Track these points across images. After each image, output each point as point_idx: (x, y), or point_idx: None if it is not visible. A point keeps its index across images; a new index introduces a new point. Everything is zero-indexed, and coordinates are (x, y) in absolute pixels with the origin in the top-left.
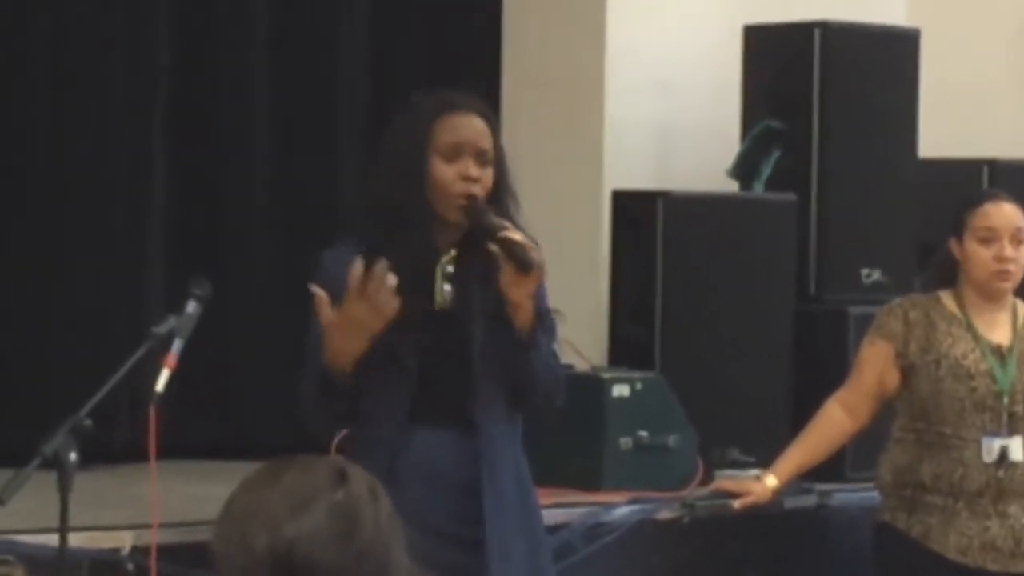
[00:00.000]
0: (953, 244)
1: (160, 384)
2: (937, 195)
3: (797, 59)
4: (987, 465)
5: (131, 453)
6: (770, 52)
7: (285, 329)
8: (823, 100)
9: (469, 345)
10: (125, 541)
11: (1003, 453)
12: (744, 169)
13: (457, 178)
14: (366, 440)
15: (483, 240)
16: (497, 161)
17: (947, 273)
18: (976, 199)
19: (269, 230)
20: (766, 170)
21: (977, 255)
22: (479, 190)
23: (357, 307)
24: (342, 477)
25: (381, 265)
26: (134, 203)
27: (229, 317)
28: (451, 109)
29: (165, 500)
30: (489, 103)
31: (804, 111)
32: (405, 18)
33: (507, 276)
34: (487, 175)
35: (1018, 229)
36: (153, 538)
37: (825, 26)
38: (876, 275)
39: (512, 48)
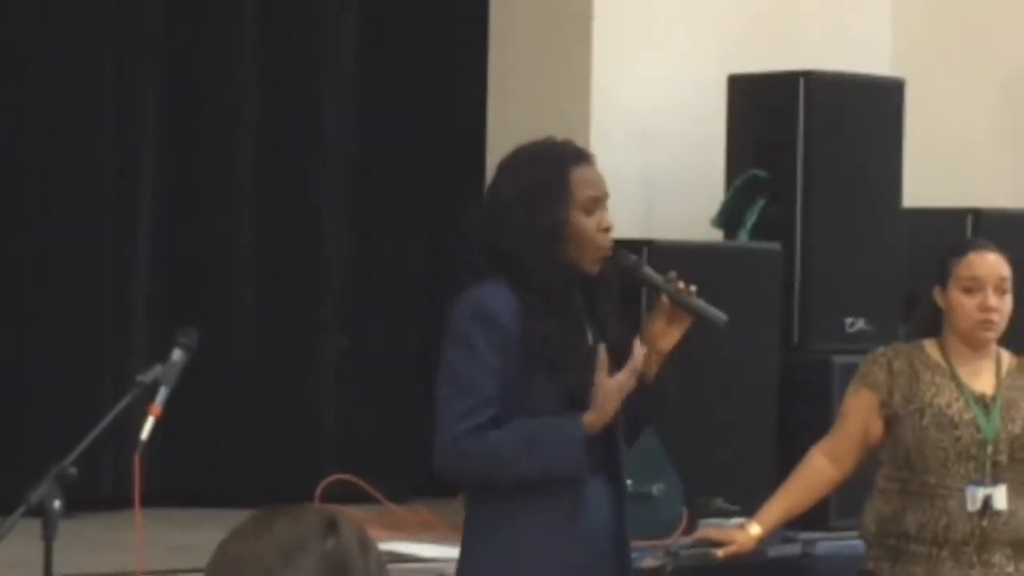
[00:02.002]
0: (937, 293)
1: (145, 432)
2: (921, 244)
3: (782, 108)
4: (971, 514)
5: (116, 501)
6: (755, 101)
7: (270, 378)
8: (808, 149)
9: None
10: None
11: (987, 502)
12: (728, 218)
13: (597, 231)
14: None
15: (641, 287)
16: None
17: (931, 322)
18: (960, 248)
19: (255, 279)
20: (750, 219)
21: (961, 304)
22: (610, 240)
23: (629, 384)
24: (332, 526)
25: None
26: (121, 252)
27: (215, 366)
28: (580, 159)
29: (149, 548)
30: (474, 153)
31: (788, 160)
32: (391, 68)
33: (658, 327)
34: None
35: (1002, 279)
36: None
37: (809, 75)
38: (860, 324)
39: (497, 97)
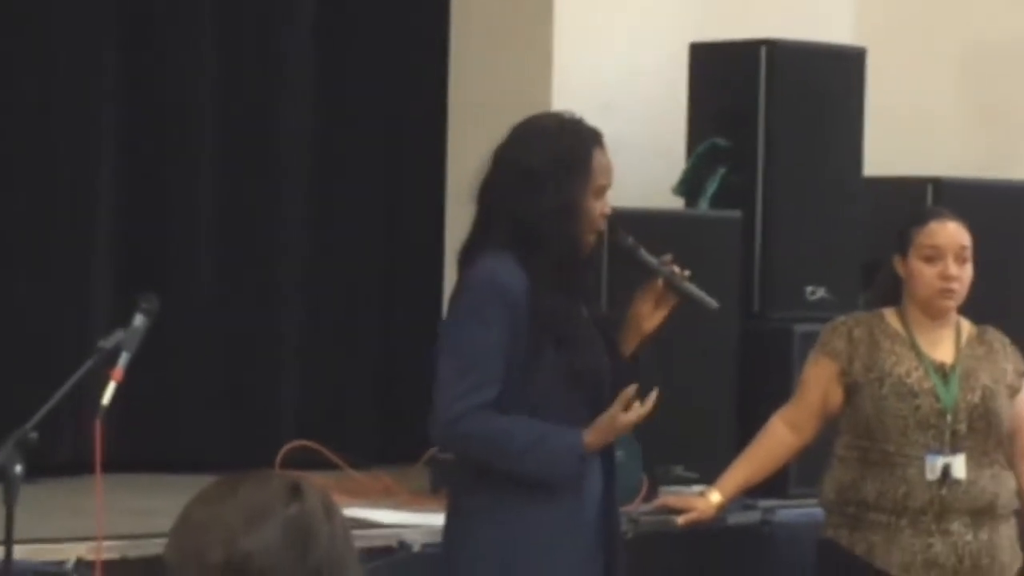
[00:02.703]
0: (897, 262)
1: (106, 397)
2: (882, 213)
3: (743, 77)
4: (930, 483)
5: (77, 466)
6: (716, 70)
7: (230, 344)
8: (769, 118)
9: (603, 367)
10: (70, 554)
11: (946, 471)
12: (689, 186)
13: (600, 215)
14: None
15: (633, 266)
16: None
17: (891, 291)
18: (921, 217)
19: (216, 245)
20: (711, 187)
21: (921, 273)
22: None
23: (635, 423)
24: (296, 492)
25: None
26: (81, 218)
27: (176, 331)
28: (598, 143)
29: (110, 513)
30: (436, 125)
31: (750, 129)
32: (350, 41)
33: (646, 308)
34: None
35: (962, 247)
36: (98, 551)
37: (771, 44)
38: (821, 292)
39: (459, 69)
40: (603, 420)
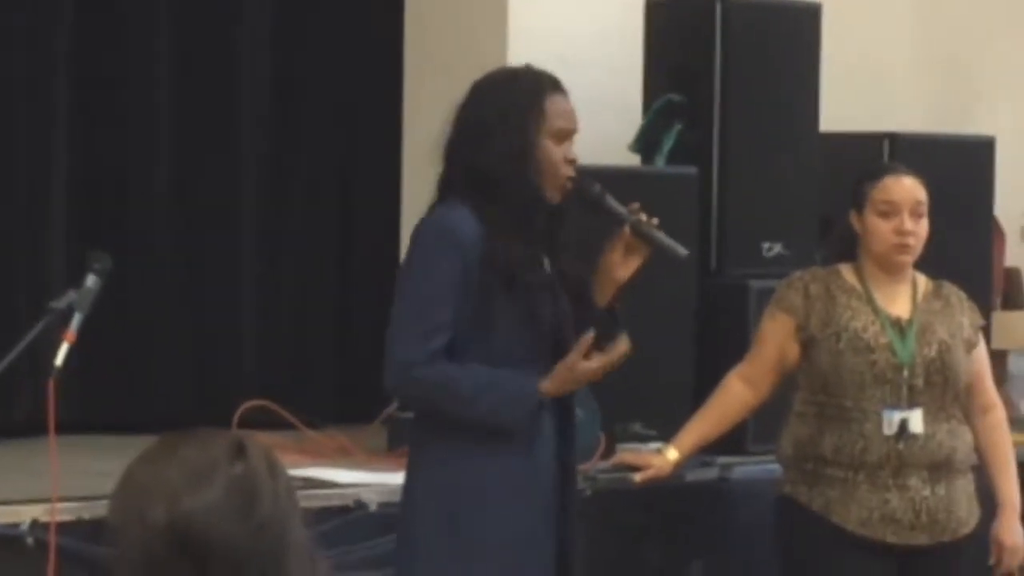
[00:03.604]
0: (854, 217)
1: (59, 358)
2: (838, 169)
3: (698, 34)
4: (887, 438)
5: (31, 427)
6: (672, 27)
7: (186, 303)
8: (724, 74)
9: (591, 306)
10: (25, 516)
11: (903, 426)
12: (645, 143)
13: (563, 160)
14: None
15: (600, 215)
16: None
17: (847, 246)
18: (876, 173)
19: (170, 204)
20: (667, 144)
21: (877, 228)
22: (574, 171)
23: (599, 374)
24: (240, 451)
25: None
26: (34, 178)
27: (130, 291)
28: (555, 89)
29: (65, 475)
30: (390, 84)
31: (705, 85)
32: (307, 2)
33: (616, 256)
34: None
35: (918, 203)
36: (53, 513)
37: (727, 0)
38: (777, 249)
39: (414, 27)
40: (560, 366)
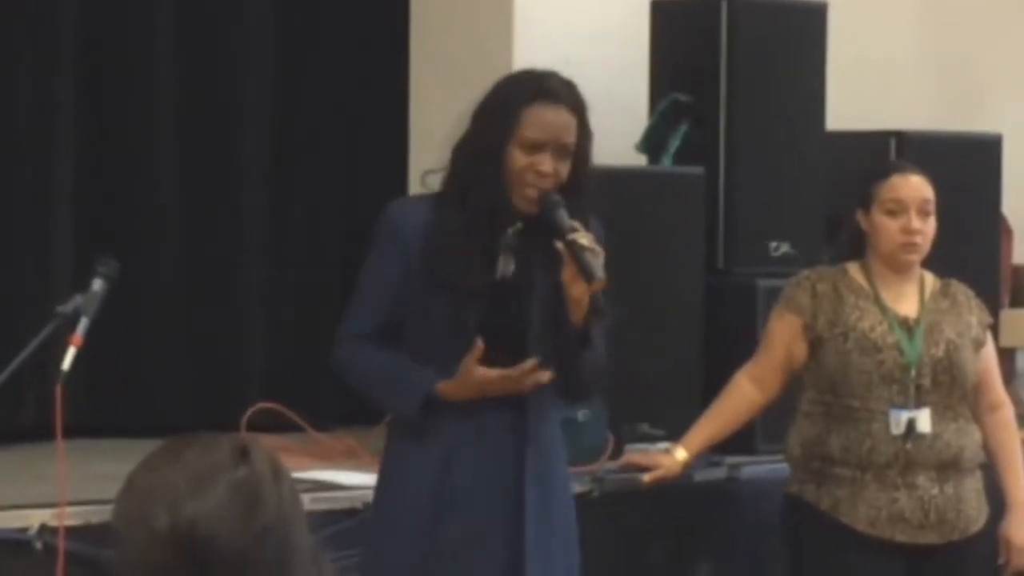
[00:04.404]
0: (860, 216)
1: (66, 363)
2: (845, 168)
3: (704, 33)
4: (895, 437)
5: (38, 432)
6: (677, 26)
7: (192, 306)
8: (731, 74)
9: (526, 318)
10: (33, 520)
11: (911, 425)
12: (652, 143)
13: (530, 170)
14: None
15: (551, 236)
16: (578, 154)
17: (854, 245)
18: (883, 171)
19: (176, 209)
20: (674, 144)
21: (884, 227)
22: (550, 184)
23: (501, 386)
24: (244, 455)
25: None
26: (40, 182)
27: (137, 295)
28: (543, 98)
29: (72, 479)
30: (397, 83)
31: (712, 85)
32: (312, 4)
33: (568, 274)
34: (564, 168)
35: (925, 201)
36: (61, 517)
37: (733, 1)
38: (784, 248)
39: (419, 27)
40: (460, 369)
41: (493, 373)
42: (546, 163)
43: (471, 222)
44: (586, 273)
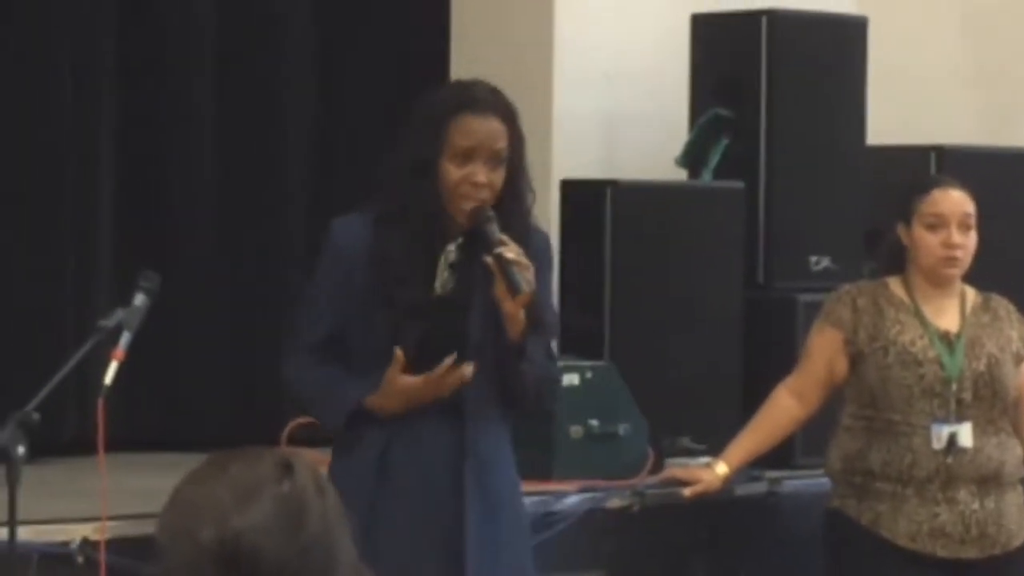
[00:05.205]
0: (901, 230)
1: (108, 377)
2: (885, 182)
3: (745, 47)
4: (936, 452)
5: (80, 446)
6: (718, 41)
7: (233, 322)
8: (771, 88)
9: (465, 333)
10: (74, 534)
11: (952, 440)
12: (692, 158)
13: (464, 182)
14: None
15: (481, 250)
16: (511, 159)
17: (895, 260)
18: (924, 185)
19: (217, 223)
20: (714, 158)
21: (925, 241)
22: (487, 194)
23: (426, 392)
24: (288, 469)
25: (451, 360)
26: (82, 197)
27: (177, 309)
28: (469, 108)
29: (114, 493)
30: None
31: (752, 99)
32: (351, 13)
33: (499, 289)
34: (498, 176)
35: (966, 215)
36: (102, 531)
37: (773, 14)
38: (824, 262)
39: (459, 41)
40: (382, 383)
41: (415, 379)
42: (480, 174)
43: (412, 239)
44: (513, 287)
